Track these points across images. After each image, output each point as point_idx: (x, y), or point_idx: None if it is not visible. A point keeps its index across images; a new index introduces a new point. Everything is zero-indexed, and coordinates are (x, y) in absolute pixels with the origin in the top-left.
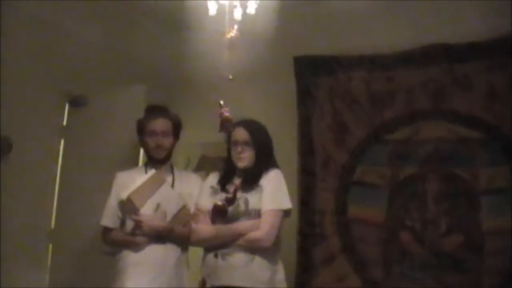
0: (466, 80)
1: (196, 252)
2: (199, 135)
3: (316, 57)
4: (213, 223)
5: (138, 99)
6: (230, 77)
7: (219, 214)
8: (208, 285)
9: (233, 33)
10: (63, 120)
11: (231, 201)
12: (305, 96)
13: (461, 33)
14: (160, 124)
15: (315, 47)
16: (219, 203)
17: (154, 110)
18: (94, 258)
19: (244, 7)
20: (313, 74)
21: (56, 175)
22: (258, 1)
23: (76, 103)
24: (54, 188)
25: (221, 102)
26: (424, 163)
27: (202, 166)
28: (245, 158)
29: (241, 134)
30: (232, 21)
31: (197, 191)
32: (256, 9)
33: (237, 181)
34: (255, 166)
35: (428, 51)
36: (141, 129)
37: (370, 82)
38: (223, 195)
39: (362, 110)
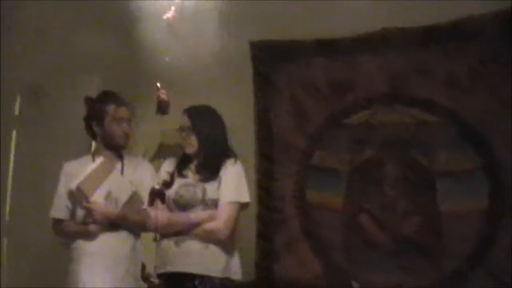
0: (425, 65)
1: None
2: (155, 123)
3: (274, 42)
4: (151, 205)
5: (92, 91)
6: (167, 59)
7: (156, 196)
8: (162, 270)
9: (170, 14)
10: (14, 110)
11: (168, 184)
12: (262, 82)
13: (419, 18)
14: (125, 112)
15: (271, 32)
16: (156, 186)
17: (115, 97)
18: (52, 250)
19: None
20: (271, 60)
21: (9, 166)
22: None
23: (29, 93)
24: (6, 181)
25: (158, 84)
26: (382, 147)
27: (160, 154)
28: (189, 144)
29: (184, 120)
30: (170, 3)
31: (148, 177)
32: None
33: (193, 166)
34: (202, 152)
35: (387, 35)
36: (102, 115)
37: (329, 68)
38: (180, 180)
39: (322, 96)
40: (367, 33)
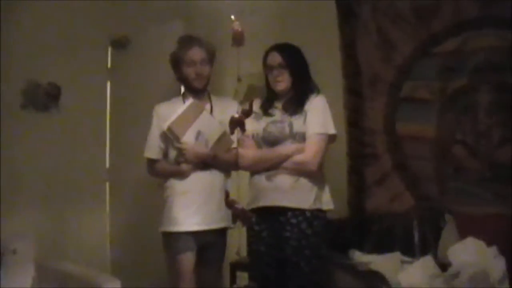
0: None
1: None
2: (245, 65)
3: None
4: (231, 134)
5: (178, 35)
6: None
7: (236, 124)
8: (255, 205)
9: None
10: (107, 62)
11: (247, 113)
12: (347, 15)
13: None
14: (197, 53)
15: None
16: (236, 115)
17: (188, 40)
18: (151, 192)
19: None
20: None
21: (106, 115)
22: None
23: (118, 44)
24: (105, 129)
25: (232, 17)
26: (474, 74)
27: (250, 96)
28: (281, 81)
29: (274, 58)
30: None
31: None
32: None
33: (278, 104)
34: (293, 88)
35: None
36: (177, 60)
37: None
38: (267, 119)
39: (408, 24)
40: None
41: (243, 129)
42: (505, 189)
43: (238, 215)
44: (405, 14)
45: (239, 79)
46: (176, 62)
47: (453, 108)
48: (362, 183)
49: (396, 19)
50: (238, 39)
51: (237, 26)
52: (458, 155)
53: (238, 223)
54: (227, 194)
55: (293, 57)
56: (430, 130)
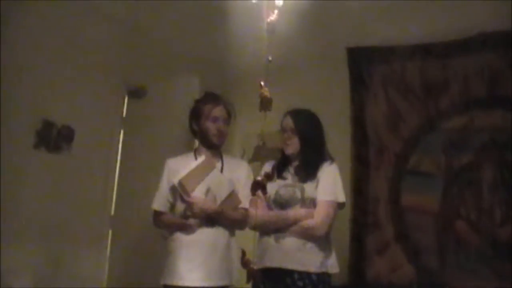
0: None
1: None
2: (254, 125)
3: (370, 48)
4: (253, 195)
5: (193, 90)
6: (270, 58)
7: (258, 187)
8: (261, 265)
9: (273, 17)
10: (122, 111)
11: (270, 176)
12: (358, 84)
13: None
14: (222, 111)
15: (366, 35)
16: (259, 178)
17: (214, 97)
18: (152, 243)
19: None
20: (367, 63)
21: (116, 163)
22: None
23: (135, 94)
24: (114, 176)
25: (262, 83)
26: (479, 151)
27: (257, 157)
28: (290, 144)
29: (287, 122)
30: (273, 6)
31: (245, 177)
32: None
33: (291, 168)
34: (304, 153)
35: (483, 38)
36: (200, 114)
37: (424, 71)
38: (280, 182)
39: (416, 98)
40: (463, 38)
41: (264, 191)
42: (505, 267)
43: (253, 275)
44: (415, 88)
45: (263, 143)
46: (197, 116)
47: (457, 183)
48: (363, 251)
49: (406, 92)
50: (266, 105)
51: (265, 92)
52: (460, 230)
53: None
54: (243, 253)
55: (304, 123)
56: (434, 203)
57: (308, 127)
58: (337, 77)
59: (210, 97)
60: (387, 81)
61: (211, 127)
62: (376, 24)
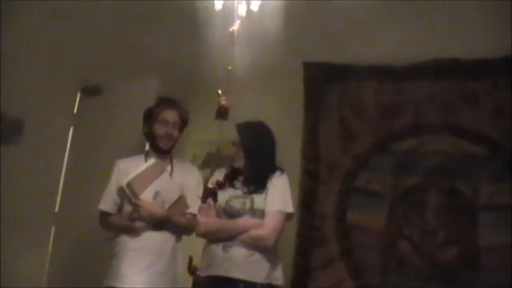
0: (474, 97)
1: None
2: (207, 132)
3: (327, 64)
4: (203, 203)
5: (150, 92)
6: (229, 68)
7: (210, 195)
8: (207, 273)
9: (235, 27)
10: (74, 108)
11: (222, 185)
12: (313, 101)
13: (472, 50)
14: (172, 114)
15: (324, 52)
16: (210, 185)
17: (166, 101)
18: (96, 243)
19: (249, 4)
20: (323, 80)
21: (63, 160)
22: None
23: (89, 92)
24: (60, 173)
25: (219, 91)
26: (426, 175)
27: (208, 163)
28: (238, 159)
29: (235, 136)
30: (237, 17)
31: (194, 182)
32: (266, 9)
33: (241, 178)
34: (251, 166)
35: (440, 65)
36: (150, 117)
37: (380, 92)
38: (231, 191)
39: (370, 119)
40: (420, 62)
41: (215, 199)
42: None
43: (199, 282)
44: (369, 110)
45: (217, 150)
46: (149, 118)
47: (403, 204)
48: (307, 265)
49: (360, 112)
50: (223, 114)
51: (223, 100)
52: (403, 250)
53: None
54: (190, 260)
55: (251, 137)
56: (379, 222)
57: (254, 140)
58: (294, 91)
59: (163, 101)
60: (343, 100)
61: (159, 130)
62: (336, 41)
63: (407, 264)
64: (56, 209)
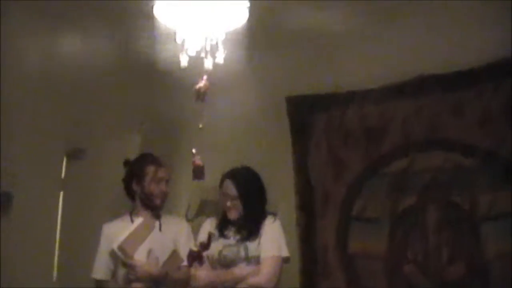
0: (458, 108)
1: None
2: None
3: (309, 96)
4: (190, 267)
5: (133, 150)
6: (200, 126)
7: (195, 259)
8: None
9: (202, 83)
10: (61, 173)
11: (205, 246)
12: (299, 134)
13: (453, 61)
14: (163, 172)
15: (304, 84)
16: (194, 248)
17: (154, 159)
18: None
19: (214, 57)
20: (307, 112)
21: (56, 227)
22: (225, 51)
23: (74, 155)
24: (55, 240)
25: (194, 151)
26: (422, 193)
27: (202, 211)
28: (234, 211)
29: (229, 188)
30: (203, 71)
31: (184, 235)
32: (232, 57)
33: (233, 227)
34: (247, 215)
35: (419, 82)
36: (142, 175)
37: (363, 117)
38: (224, 241)
39: (358, 144)
40: (402, 81)
41: (201, 262)
42: None
43: None
44: (356, 134)
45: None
46: (139, 177)
47: (402, 226)
48: None
49: (347, 138)
50: (198, 173)
51: (198, 160)
52: (409, 273)
53: None
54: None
55: (246, 187)
56: (381, 248)
57: (250, 190)
58: (277, 127)
59: (149, 158)
60: (328, 129)
61: (155, 189)
62: (315, 71)
63: (415, 286)
64: (54, 278)
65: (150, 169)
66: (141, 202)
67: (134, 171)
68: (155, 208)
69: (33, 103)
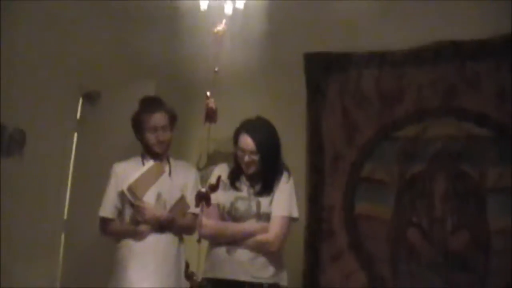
0: (476, 78)
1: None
2: (211, 130)
3: (327, 54)
4: (196, 207)
5: (148, 92)
6: (216, 69)
7: (201, 199)
8: (211, 275)
9: (220, 27)
10: (76, 114)
11: (213, 188)
12: (315, 93)
13: (472, 31)
14: (159, 119)
15: (322, 43)
16: (203, 189)
17: (150, 104)
18: (106, 248)
19: (234, 3)
20: (324, 71)
21: (69, 167)
22: None
23: (89, 97)
24: (67, 180)
25: (208, 93)
26: (432, 161)
27: (214, 162)
28: (252, 165)
29: (247, 143)
30: (223, 16)
31: (193, 181)
32: (252, 6)
33: (245, 179)
34: (262, 169)
35: (439, 48)
36: (139, 125)
37: (380, 79)
38: (236, 193)
39: (372, 107)
40: (419, 46)
41: (208, 203)
42: (455, 275)
43: (203, 286)
44: (370, 98)
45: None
46: (138, 126)
47: (410, 192)
48: (317, 258)
49: (362, 101)
50: (211, 117)
51: (211, 103)
52: (412, 238)
53: None
54: (187, 265)
55: (265, 142)
56: (387, 211)
57: (269, 145)
58: (293, 84)
59: (147, 104)
60: (344, 90)
61: (150, 137)
62: (334, 30)
63: (417, 252)
64: (65, 216)
65: (145, 116)
66: (145, 150)
67: (133, 120)
68: (156, 156)
69: (50, 44)
